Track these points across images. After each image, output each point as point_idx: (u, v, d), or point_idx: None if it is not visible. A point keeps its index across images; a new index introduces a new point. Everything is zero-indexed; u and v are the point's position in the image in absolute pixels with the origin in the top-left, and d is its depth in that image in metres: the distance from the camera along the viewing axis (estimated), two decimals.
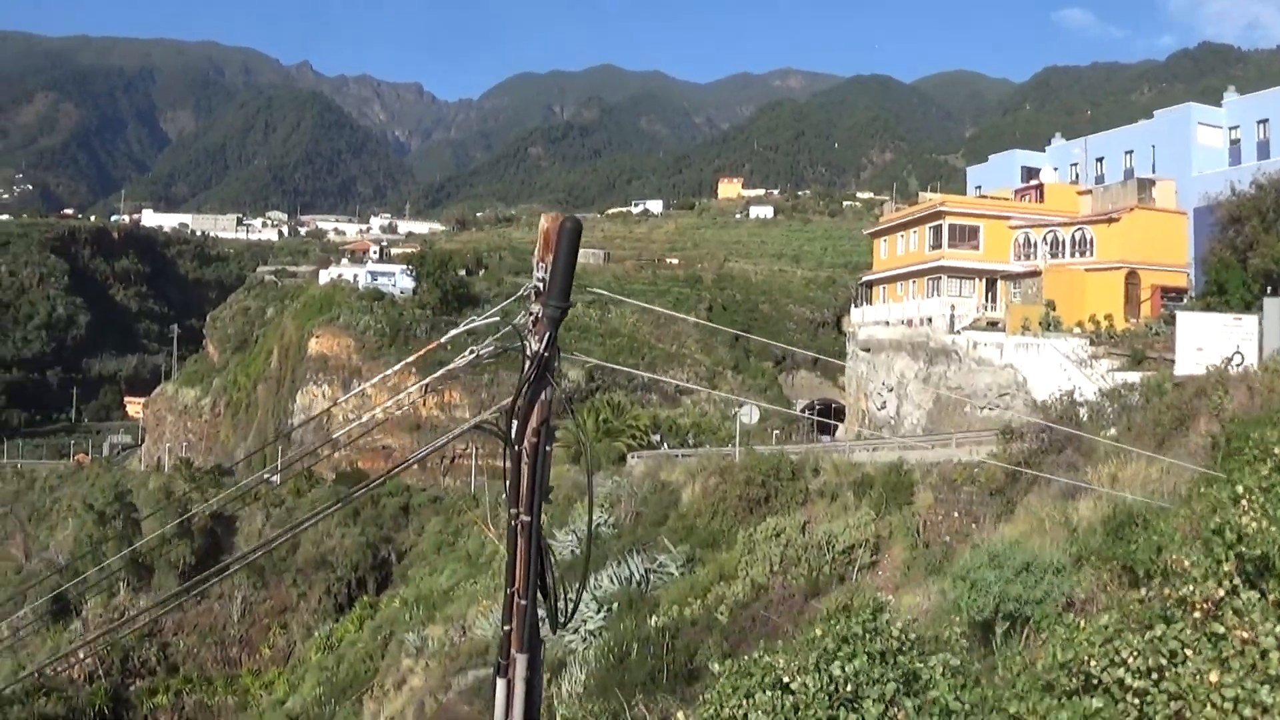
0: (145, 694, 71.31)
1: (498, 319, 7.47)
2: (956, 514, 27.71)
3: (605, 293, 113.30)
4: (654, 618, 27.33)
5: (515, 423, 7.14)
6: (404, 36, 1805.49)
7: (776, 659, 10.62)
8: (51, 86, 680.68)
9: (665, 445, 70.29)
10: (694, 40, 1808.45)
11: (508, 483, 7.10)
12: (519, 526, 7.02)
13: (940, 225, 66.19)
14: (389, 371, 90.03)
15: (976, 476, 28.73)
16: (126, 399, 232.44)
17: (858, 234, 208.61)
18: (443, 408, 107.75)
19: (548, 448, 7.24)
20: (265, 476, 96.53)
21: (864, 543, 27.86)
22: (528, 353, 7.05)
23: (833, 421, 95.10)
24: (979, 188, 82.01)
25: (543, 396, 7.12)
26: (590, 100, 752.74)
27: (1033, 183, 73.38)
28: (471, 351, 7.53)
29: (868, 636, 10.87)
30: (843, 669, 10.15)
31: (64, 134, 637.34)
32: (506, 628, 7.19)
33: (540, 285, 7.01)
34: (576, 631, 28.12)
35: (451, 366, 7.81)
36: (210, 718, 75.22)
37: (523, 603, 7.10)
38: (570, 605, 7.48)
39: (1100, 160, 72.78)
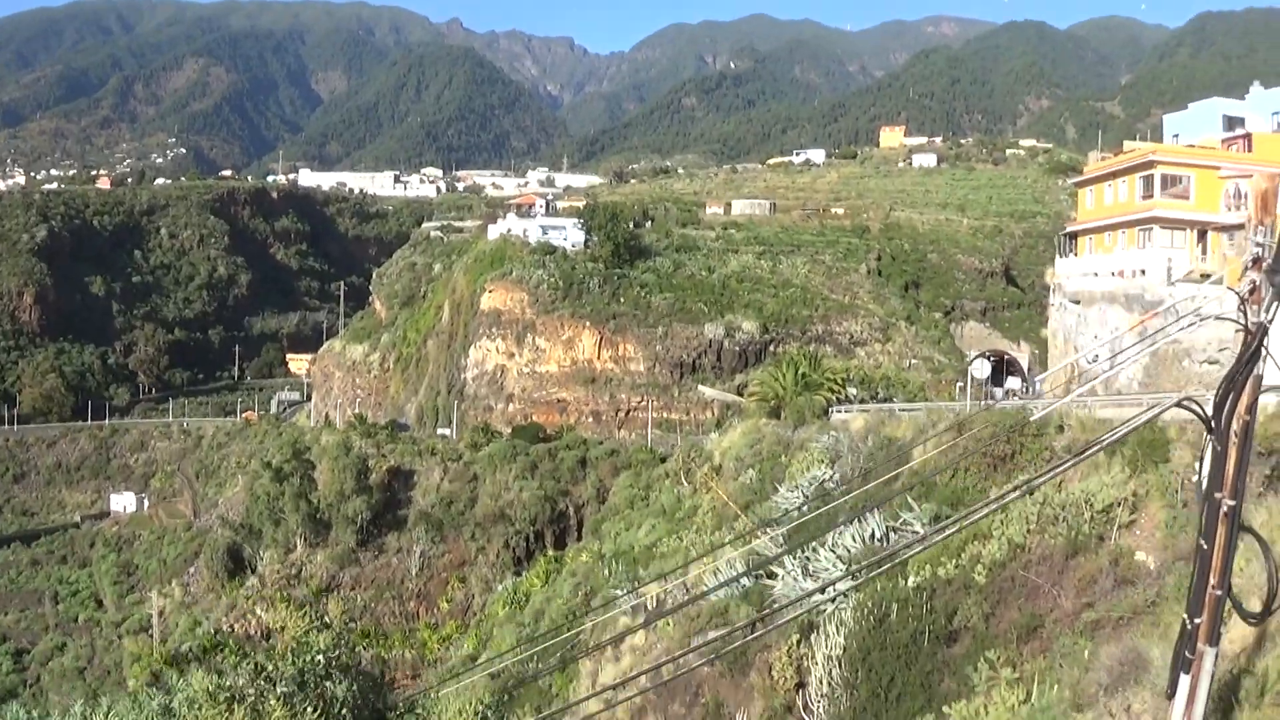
0: None
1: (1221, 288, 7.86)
2: None
3: None
4: (908, 578, 26.83)
5: (1226, 399, 6.82)
6: None
7: None
8: (202, 52, 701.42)
9: (858, 399, 68.79)
10: None
11: (1200, 464, 6.77)
12: (1221, 512, 6.61)
13: (1152, 175, 63.77)
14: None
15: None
16: (289, 356, 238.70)
17: (1022, 182, 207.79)
18: (616, 360, 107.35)
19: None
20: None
21: (1122, 501, 26.67)
22: (1247, 324, 6.57)
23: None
24: (1176, 136, 78.81)
25: (1256, 371, 6.77)
26: (743, 50, 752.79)
27: (1239, 132, 70.24)
28: (1192, 322, 7.54)
29: None
30: None
31: (215, 97, 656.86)
32: (1196, 620, 6.90)
33: (1259, 251, 6.50)
34: (824, 592, 27.35)
35: (1168, 339, 8.31)
36: (388, 672, 76.05)
37: (1218, 593, 6.87)
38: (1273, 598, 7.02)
39: None
